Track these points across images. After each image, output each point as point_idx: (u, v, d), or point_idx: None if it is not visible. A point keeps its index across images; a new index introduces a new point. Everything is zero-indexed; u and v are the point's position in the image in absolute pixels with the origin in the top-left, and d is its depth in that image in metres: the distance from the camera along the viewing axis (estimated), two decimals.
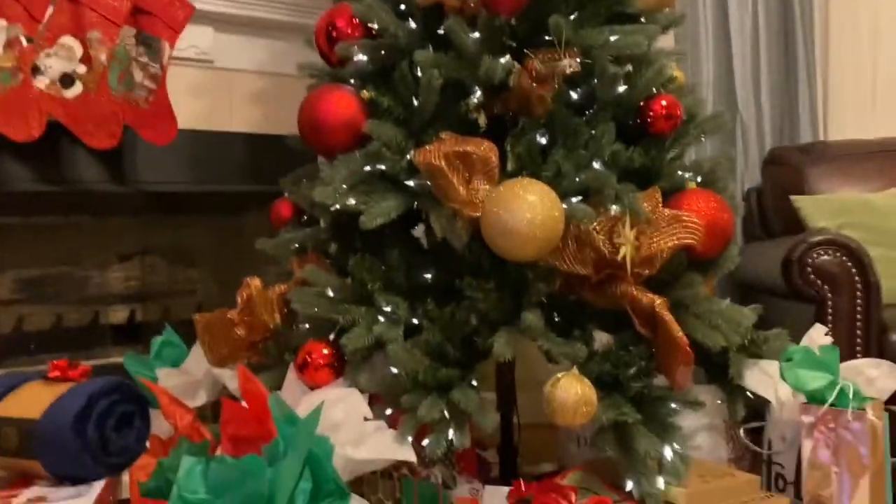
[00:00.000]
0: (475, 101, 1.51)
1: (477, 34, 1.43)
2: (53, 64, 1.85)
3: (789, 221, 2.13)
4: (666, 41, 2.03)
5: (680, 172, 1.51)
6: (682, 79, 1.67)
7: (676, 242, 1.33)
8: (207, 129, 2.18)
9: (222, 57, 2.22)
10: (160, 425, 1.56)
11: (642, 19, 1.58)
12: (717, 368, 1.54)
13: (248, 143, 2.26)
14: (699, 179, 1.52)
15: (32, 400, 1.25)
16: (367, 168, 1.43)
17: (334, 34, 1.56)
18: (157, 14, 1.96)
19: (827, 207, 1.98)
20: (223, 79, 2.24)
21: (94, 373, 1.46)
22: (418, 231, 1.65)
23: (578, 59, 1.42)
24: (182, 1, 1.99)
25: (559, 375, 1.28)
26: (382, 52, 1.53)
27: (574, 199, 1.34)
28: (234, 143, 2.24)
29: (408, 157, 1.42)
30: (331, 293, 1.43)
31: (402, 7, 1.58)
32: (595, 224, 1.35)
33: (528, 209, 1.22)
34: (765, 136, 2.50)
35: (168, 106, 1.99)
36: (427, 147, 1.37)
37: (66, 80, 1.87)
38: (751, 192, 2.39)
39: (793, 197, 2.07)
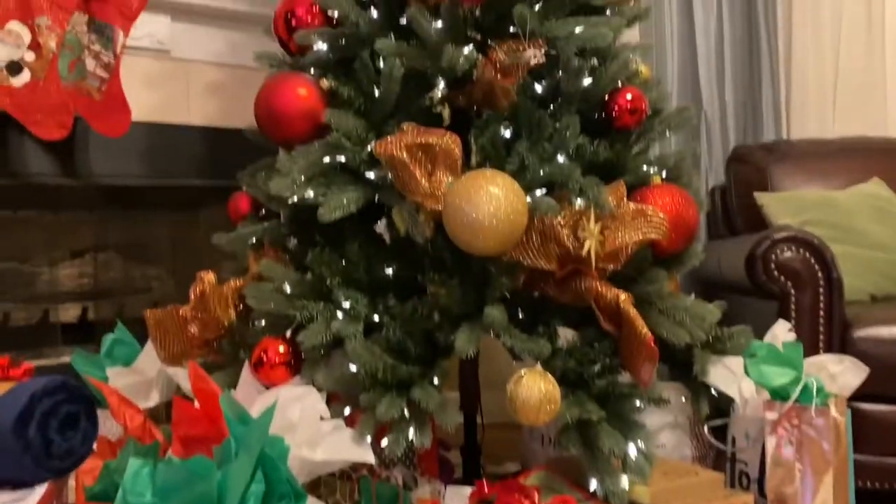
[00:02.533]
0: (439, 93, 1.48)
1: (440, 23, 1.40)
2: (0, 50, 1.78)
3: (753, 219, 2.14)
4: (631, 35, 2.02)
5: (645, 167, 1.49)
6: (648, 73, 1.65)
7: (641, 237, 1.31)
8: (163, 121, 2.12)
9: (180, 47, 2.16)
10: (110, 427, 1.50)
11: (607, 12, 1.56)
12: (681, 365, 1.53)
13: (205, 137, 2.20)
14: (664, 174, 1.50)
15: None
16: (327, 159, 1.39)
17: (293, 22, 1.52)
18: (110, 1, 1.89)
19: (790, 204, 1.99)
20: (180, 69, 2.17)
21: (42, 374, 1.40)
22: (380, 226, 1.61)
23: (543, 51, 1.39)
24: None
25: (522, 373, 1.25)
26: (343, 40, 1.49)
27: (538, 192, 1.31)
28: (190, 137, 2.17)
29: (368, 148, 1.38)
30: (288, 288, 1.39)
31: None
32: (559, 218, 1.33)
33: (490, 201, 1.19)
34: (729, 133, 2.51)
35: (121, 97, 1.92)
36: (388, 138, 1.34)
37: (14, 67, 1.79)
38: (715, 189, 2.39)
39: (756, 194, 2.07)
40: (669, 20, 2.48)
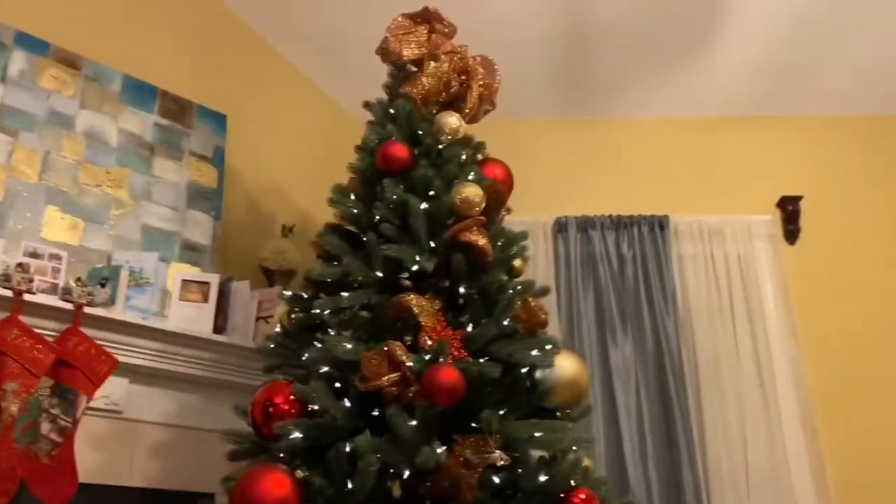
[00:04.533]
0: (404, 478, 1.54)
1: (414, 422, 1.51)
2: None
3: None
4: None
5: None
6: (592, 466, 1.79)
7: None
8: (103, 482, 2.06)
9: (132, 408, 2.18)
10: None
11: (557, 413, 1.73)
12: None
13: (142, 499, 2.13)
14: None
15: None
16: None
17: (272, 410, 1.61)
18: (80, 367, 1.94)
19: None
20: (129, 430, 2.17)
21: None
22: None
23: (507, 455, 1.51)
24: (107, 355, 2.00)
25: None
26: (319, 431, 1.57)
27: None
28: (126, 500, 2.10)
29: None
30: None
31: (338, 385, 1.66)
32: None
33: None
34: None
35: (71, 463, 1.88)
36: None
37: None
38: None
39: None
40: (595, 407, 2.71)
